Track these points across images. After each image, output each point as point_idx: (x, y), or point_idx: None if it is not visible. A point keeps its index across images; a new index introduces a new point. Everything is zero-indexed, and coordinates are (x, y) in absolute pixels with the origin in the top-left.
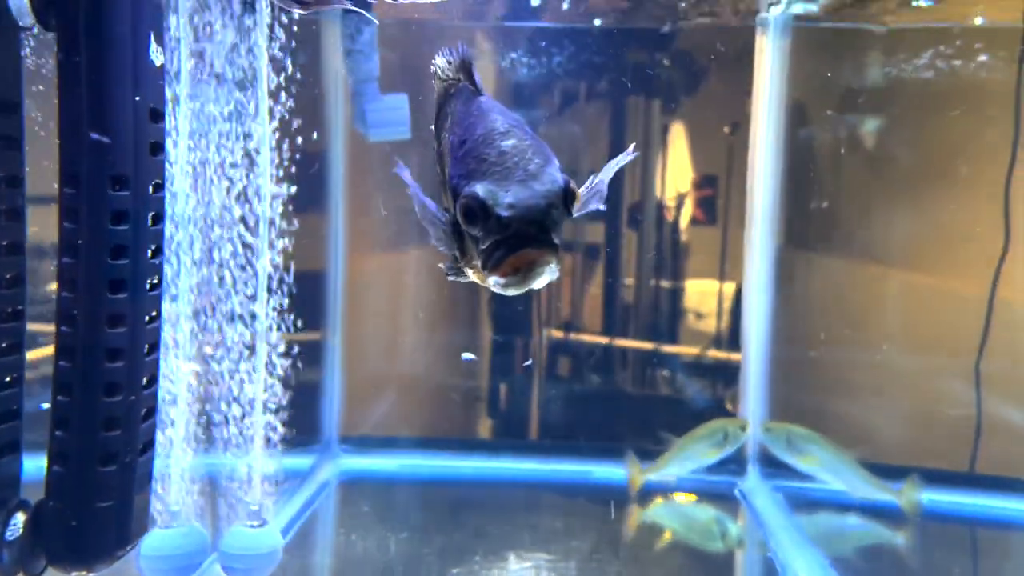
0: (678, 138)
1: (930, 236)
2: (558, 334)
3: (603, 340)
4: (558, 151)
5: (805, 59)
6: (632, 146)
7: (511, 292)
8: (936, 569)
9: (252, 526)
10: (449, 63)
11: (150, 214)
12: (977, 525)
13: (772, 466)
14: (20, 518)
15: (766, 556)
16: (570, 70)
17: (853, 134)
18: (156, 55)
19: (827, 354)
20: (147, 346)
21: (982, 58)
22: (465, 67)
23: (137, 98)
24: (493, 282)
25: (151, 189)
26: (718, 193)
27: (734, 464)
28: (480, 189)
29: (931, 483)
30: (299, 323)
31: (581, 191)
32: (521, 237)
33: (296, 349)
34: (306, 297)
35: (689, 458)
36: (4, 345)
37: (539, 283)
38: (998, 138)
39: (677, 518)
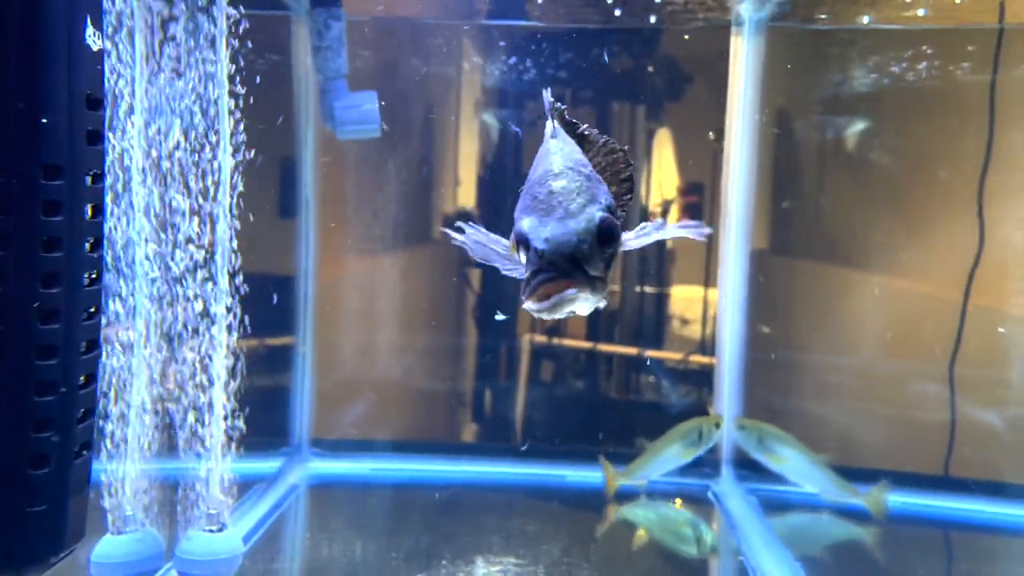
0: (663, 144)
1: (907, 240)
2: (541, 339)
3: (587, 345)
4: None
5: (781, 61)
6: (706, 229)
7: (546, 317)
8: (909, 571)
9: (211, 530)
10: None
11: (88, 205)
12: (951, 527)
13: (746, 468)
14: None
15: (738, 559)
16: (555, 73)
17: (831, 137)
18: (94, 39)
19: (804, 358)
20: (85, 343)
21: (959, 62)
22: (550, 112)
23: (72, 83)
24: (528, 307)
25: (89, 180)
26: (704, 199)
27: (708, 467)
28: (526, 224)
29: (905, 485)
30: (266, 326)
31: (630, 235)
32: (552, 268)
33: (261, 352)
34: (274, 300)
35: (665, 460)
36: None
37: (575, 311)
38: (975, 142)
39: (650, 521)
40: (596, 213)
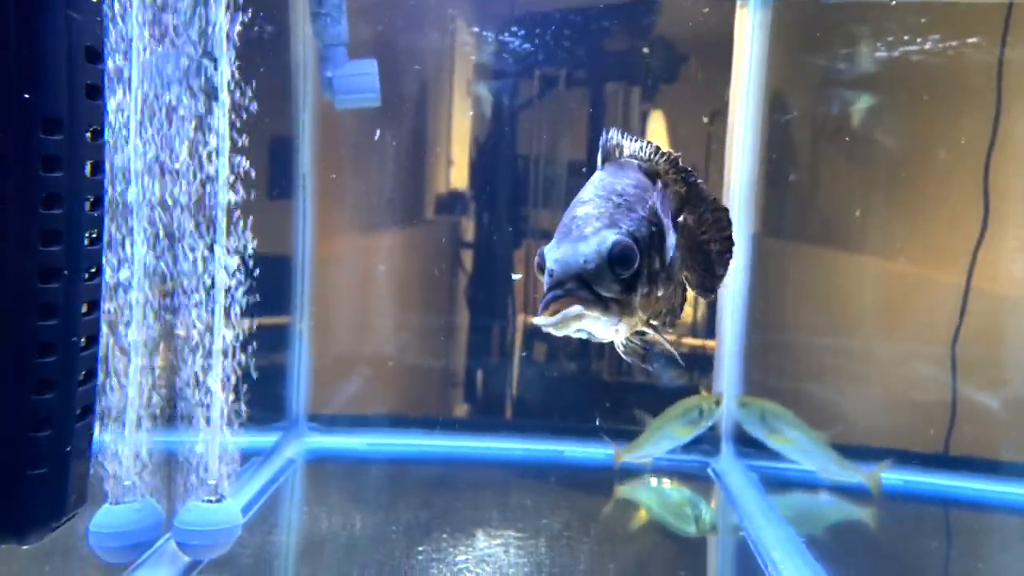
0: (657, 126)
1: (910, 221)
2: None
3: None
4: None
5: (785, 39)
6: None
7: (554, 333)
8: (908, 547)
9: (209, 501)
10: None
11: (87, 162)
12: (951, 505)
13: (745, 446)
14: None
15: (739, 535)
16: (550, 53)
17: (832, 118)
18: None
19: (804, 340)
20: (86, 304)
21: (964, 38)
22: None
23: (71, 34)
24: (538, 323)
25: (89, 135)
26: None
27: (707, 444)
28: (546, 247)
29: (906, 464)
30: (264, 302)
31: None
32: (559, 287)
33: (258, 328)
34: (272, 277)
35: (665, 437)
36: None
37: (590, 331)
38: (981, 121)
39: (650, 498)
40: (610, 236)
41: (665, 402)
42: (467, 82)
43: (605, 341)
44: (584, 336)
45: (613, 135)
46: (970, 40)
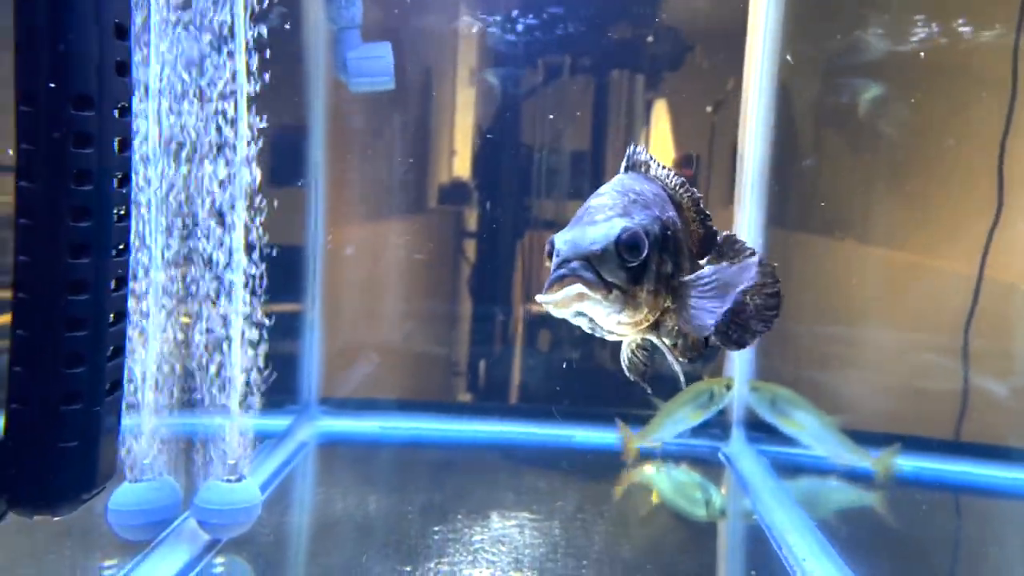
0: (661, 116)
1: (919, 211)
2: (538, 307)
3: None
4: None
5: (797, 26)
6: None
7: (554, 312)
8: (921, 531)
9: (229, 480)
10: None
11: (116, 139)
12: (961, 491)
13: (756, 430)
14: None
15: (752, 519)
16: (554, 41)
17: (843, 107)
18: None
19: (813, 327)
20: (114, 280)
21: (979, 23)
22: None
23: (100, 10)
24: (539, 299)
25: (116, 112)
26: (697, 172)
27: (718, 428)
28: (557, 232)
29: (916, 450)
30: (278, 288)
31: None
32: (564, 266)
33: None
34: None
35: (677, 421)
36: None
37: (591, 314)
38: (993, 108)
39: (661, 482)
40: (619, 222)
41: (668, 388)
42: (471, 69)
43: (608, 336)
44: (587, 326)
45: (642, 152)
46: (985, 25)
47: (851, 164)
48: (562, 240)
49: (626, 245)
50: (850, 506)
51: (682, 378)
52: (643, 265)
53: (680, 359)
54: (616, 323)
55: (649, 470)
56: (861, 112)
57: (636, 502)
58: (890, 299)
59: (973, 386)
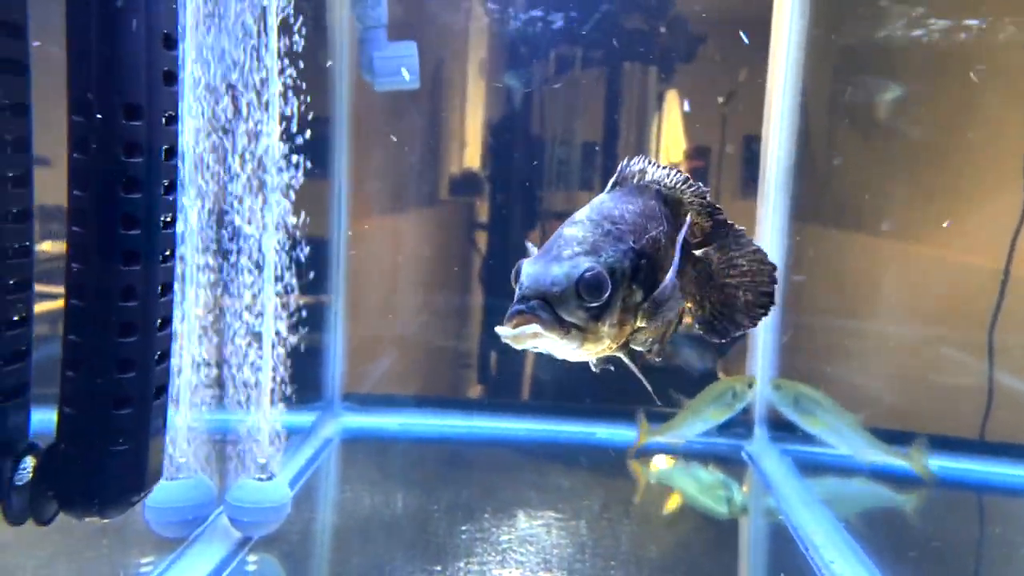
0: (672, 107)
1: (945, 207)
2: None
3: None
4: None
5: (821, 22)
6: None
7: (513, 345)
8: (946, 531)
9: (260, 479)
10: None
11: (163, 147)
12: (986, 491)
13: (779, 429)
14: (29, 462)
15: (777, 518)
16: (566, 33)
17: (867, 101)
18: None
19: (837, 324)
20: (161, 286)
21: (1004, 17)
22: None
23: (150, 21)
24: (498, 331)
25: (164, 120)
26: (709, 164)
27: (741, 427)
28: (524, 262)
29: (940, 449)
30: (303, 285)
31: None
32: (524, 302)
33: (300, 310)
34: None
35: (699, 420)
36: (11, 282)
37: (549, 351)
38: (1018, 103)
39: (683, 480)
40: (583, 263)
41: (693, 385)
42: (481, 61)
43: (571, 360)
44: (544, 352)
45: (637, 162)
46: (1009, 19)
47: (875, 158)
48: (526, 273)
49: (587, 287)
50: (876, 506)
51: (649, 387)
52: (605, 305)
53: (655, 360)
54: (576, 355)
55: (669, 467)
56: (883, 108)
57: (660, 501)
58: (917, 295)
59: (998, 384)
